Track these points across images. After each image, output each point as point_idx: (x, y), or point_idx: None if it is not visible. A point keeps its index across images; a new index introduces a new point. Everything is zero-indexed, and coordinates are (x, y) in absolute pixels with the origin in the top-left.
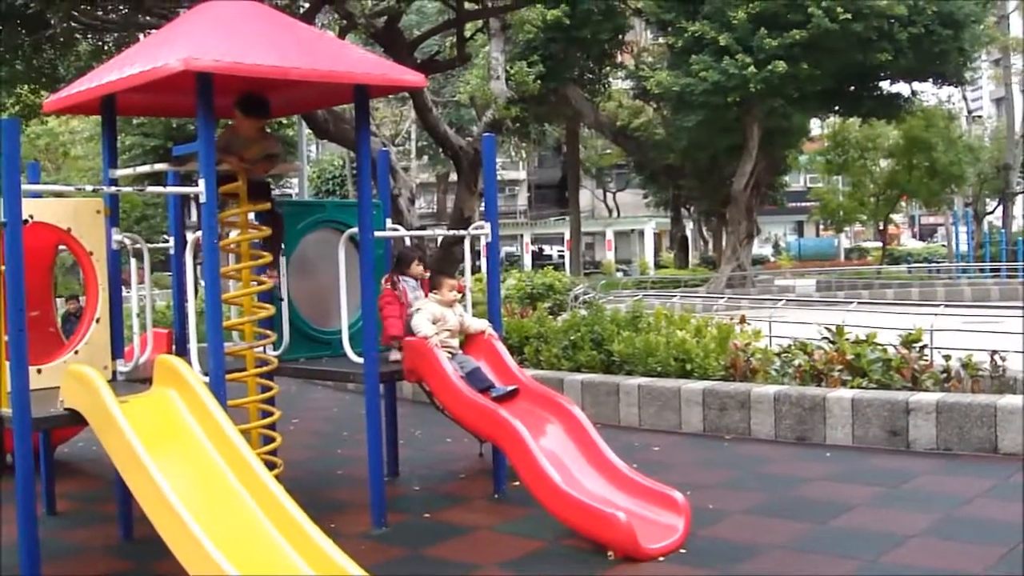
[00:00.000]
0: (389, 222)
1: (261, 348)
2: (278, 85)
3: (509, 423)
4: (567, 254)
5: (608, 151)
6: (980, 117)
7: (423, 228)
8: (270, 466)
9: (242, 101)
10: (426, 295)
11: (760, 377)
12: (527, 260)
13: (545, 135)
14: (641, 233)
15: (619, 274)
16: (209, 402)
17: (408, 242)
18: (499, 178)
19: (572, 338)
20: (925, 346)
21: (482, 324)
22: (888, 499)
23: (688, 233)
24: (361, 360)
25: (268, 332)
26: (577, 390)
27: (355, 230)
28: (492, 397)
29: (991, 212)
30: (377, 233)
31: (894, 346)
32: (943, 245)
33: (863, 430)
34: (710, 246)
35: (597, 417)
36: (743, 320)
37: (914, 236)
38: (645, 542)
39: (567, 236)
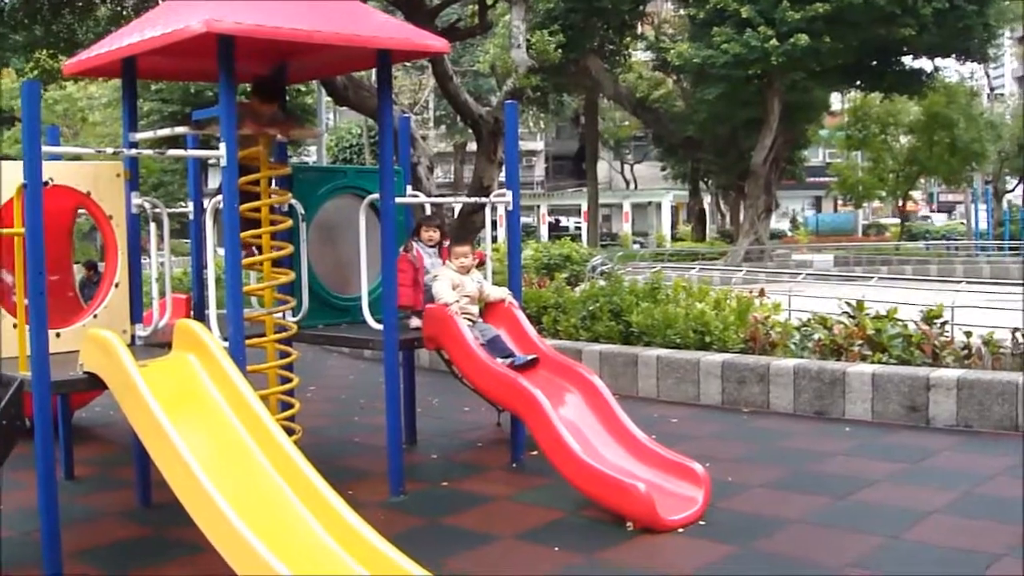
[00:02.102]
0: (409, 189)
1: (280, 314)
2: (299, 50)
3: (529, 392)
4: (584, 226)
5: (626, 123)
6: (1002, 95)
7: (442, 196)
8: (288, 432)
9: (256, 86)
10: (443, 262)
11: (779, 350)
12: (544, 231)
13: (563, 106)
14: (659, 206)
15: (636, 246)
16: (228, 367)
17: (428, 209)
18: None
19: (590, 308)
20: (946, 322)
21: (502, 292)
22: (908, 475)
23: (706, 206)
24: (380, 327)
25: (288, 298)
26: (595, 361)
27: (375, 196)
28: (512, 366)
29: (1011, 190)
30: (398, 199)
31: (914, 322)
32: (962, 222)
33: (883, 405)
34: (728, 219)
35: (615, 388)
36: (762, 293)
37: (932, 211)
38: (664, 513)
39: (584, 208)
